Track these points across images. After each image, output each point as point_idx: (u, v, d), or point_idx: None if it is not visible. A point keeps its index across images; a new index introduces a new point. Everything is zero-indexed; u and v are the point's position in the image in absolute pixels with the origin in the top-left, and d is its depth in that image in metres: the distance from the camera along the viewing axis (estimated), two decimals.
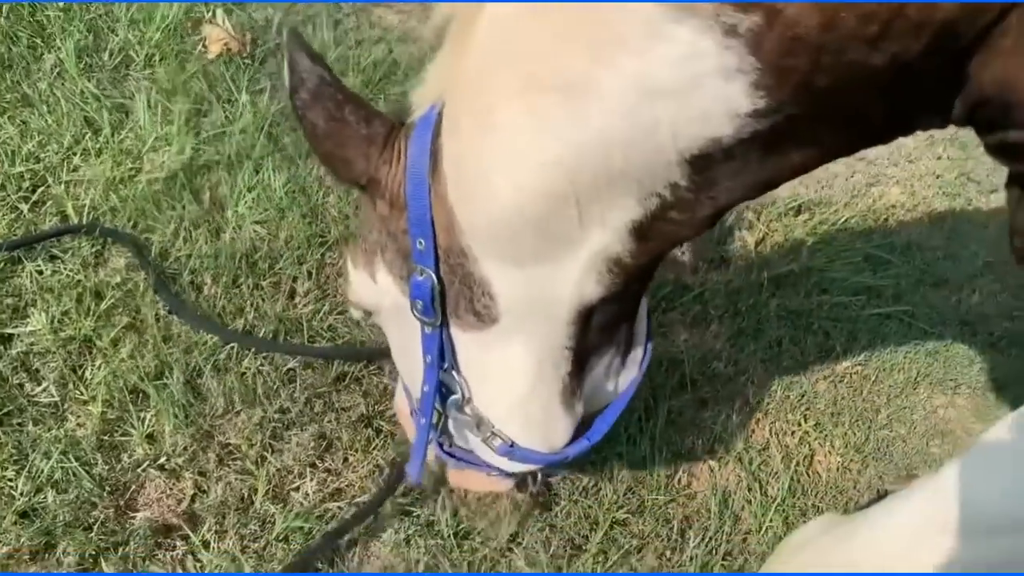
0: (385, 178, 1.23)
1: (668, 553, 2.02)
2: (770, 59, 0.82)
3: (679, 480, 2.14)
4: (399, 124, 1.26)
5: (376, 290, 1.40)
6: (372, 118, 1.23)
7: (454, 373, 1.39)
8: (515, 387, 1.35)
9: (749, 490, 2.16)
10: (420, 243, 1.23)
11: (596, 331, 1.31)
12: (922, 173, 3.28)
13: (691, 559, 2.01)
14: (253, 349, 2.13)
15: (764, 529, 2.09)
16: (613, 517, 2.02)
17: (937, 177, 3.28)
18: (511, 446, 1.43)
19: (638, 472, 2.12)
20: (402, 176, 1.20)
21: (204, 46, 2.76)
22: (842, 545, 1.31)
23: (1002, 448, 1.07)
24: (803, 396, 2.41)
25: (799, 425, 2.33)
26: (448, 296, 1.28)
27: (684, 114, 0.89)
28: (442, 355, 1.37)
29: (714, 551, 2.04)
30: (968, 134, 3.20)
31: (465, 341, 1.34)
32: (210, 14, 2.85)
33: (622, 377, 1.50)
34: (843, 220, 2.95)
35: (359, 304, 1.50)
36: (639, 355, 1.51)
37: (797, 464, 2.24)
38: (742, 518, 2.13)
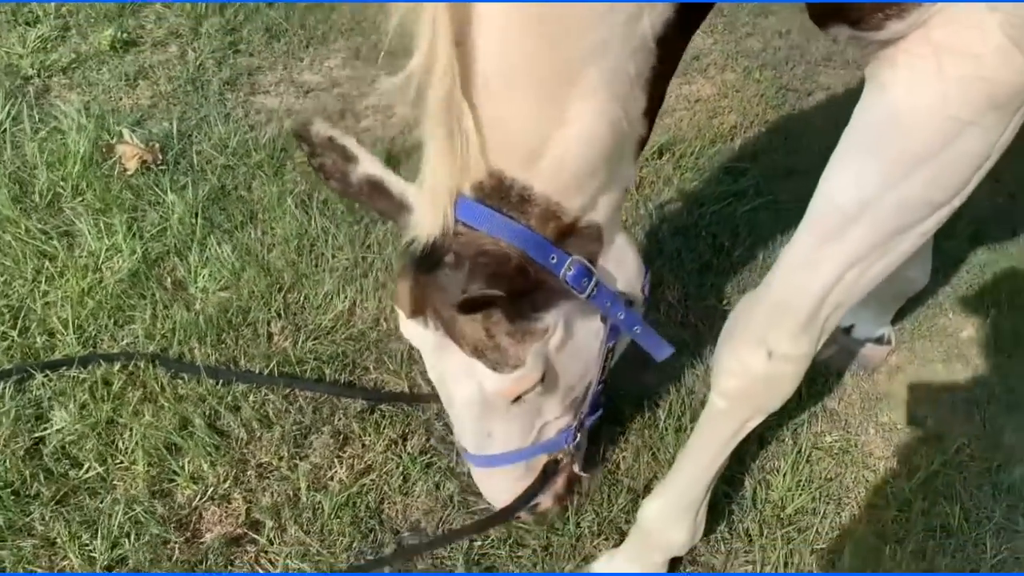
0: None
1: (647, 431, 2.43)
2: None
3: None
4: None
5: (538, 349, 1.64)
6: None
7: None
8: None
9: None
10: (552, 258, 1.54)
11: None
12: (750, 96, 3.86)
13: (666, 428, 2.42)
14: (271, 386, 2.45)
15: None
16: None
17: (762, 96, 3.86)
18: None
19: None
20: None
21: (122, 164, 3.09)
22: (761, 286, 1.64)
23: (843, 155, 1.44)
24: (711, 285, 2.88)
25: (715, 306, 2.80)
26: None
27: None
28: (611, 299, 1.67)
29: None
30: (774, 59, 3.78)
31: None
32: (116, 137, 3.18)
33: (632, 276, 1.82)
34: (698, 149, 3.47)
35: (536, 375, 1.67)
36: (638, 267, 1.83)
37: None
38: (696, 390, 2.55)
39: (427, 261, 1.54)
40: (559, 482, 2.06)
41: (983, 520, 2.29)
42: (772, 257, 3.02)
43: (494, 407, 1.74)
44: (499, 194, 1.50)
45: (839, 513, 2.30)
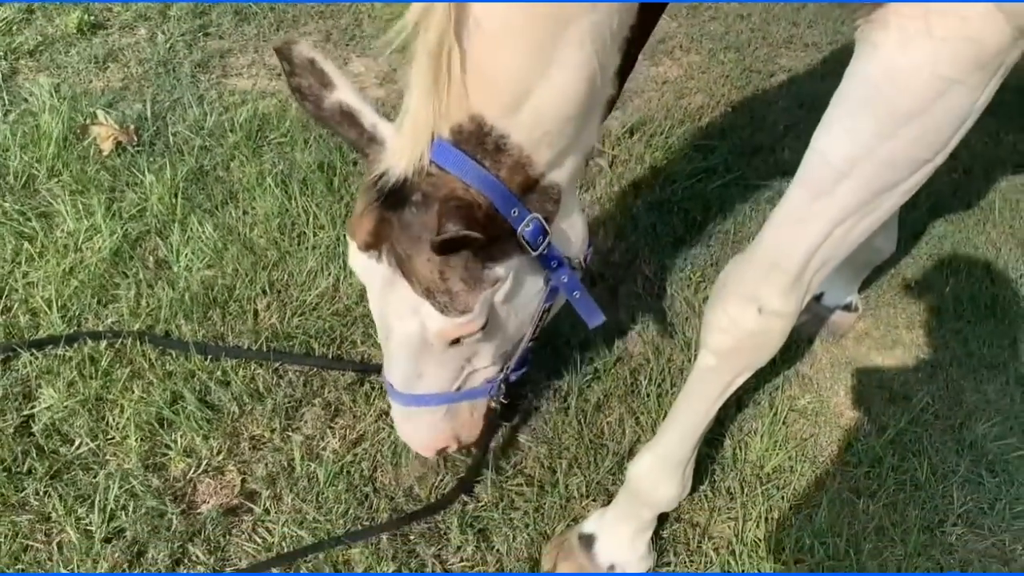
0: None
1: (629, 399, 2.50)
2: None
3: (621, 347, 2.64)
4: None
5: (486, 297, 1.68)
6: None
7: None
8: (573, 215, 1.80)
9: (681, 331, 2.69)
10: (514, 211, 1.60)
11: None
12: (715, 77, 3.96)
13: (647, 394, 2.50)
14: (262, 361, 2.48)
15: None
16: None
17: (727, 77, 3.96)
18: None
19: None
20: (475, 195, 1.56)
21: (97, 145, 3.07)
22: (752, 244, 1.69)
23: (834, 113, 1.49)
24: (686, 259, 2.97)
25: (690, 277, 2.89)
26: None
27: None
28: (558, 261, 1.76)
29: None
30: (737, 42, 3.90)
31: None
32: (90, 118, 3.16)
33: (578, 244, 1.89)
34: (667, 129, 3.56)
35: (480, 322, 1.71)
36: (585, 236, 1.91)
37: (702, 310, 2.78)
38: (674, 358, 2.64)
39: (394, 197, 1.56)
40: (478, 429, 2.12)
41: (949, 474, 2.42)
42: (743, 230, 3.13)
43: (430, 348, 1.77)
44: (476, 139, 1.54)
45: (814, 470, 2.40)
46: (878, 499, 2.33)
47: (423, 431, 2.01)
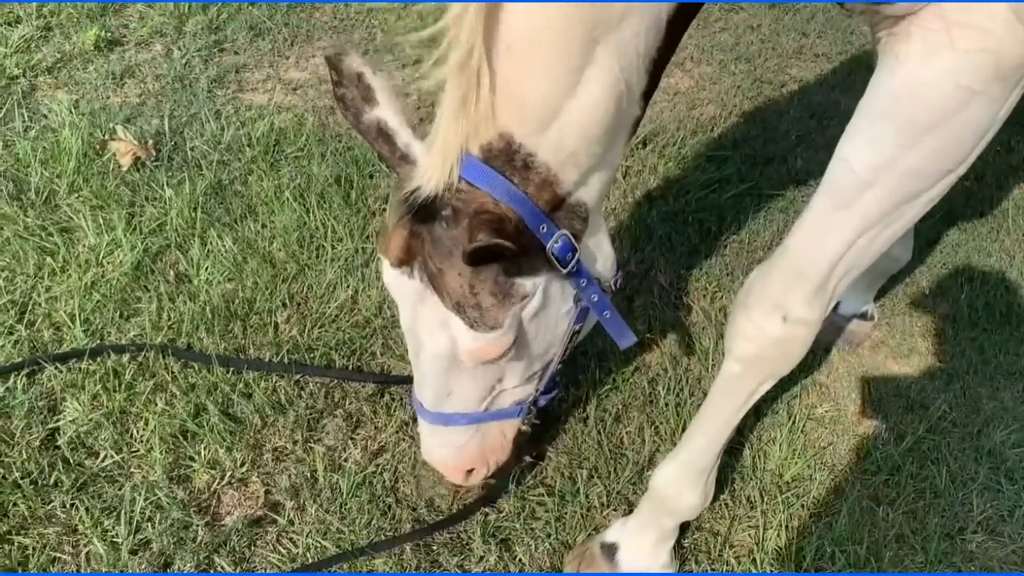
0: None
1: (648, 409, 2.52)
2: None
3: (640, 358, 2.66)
4: None
5: (515, 313, 1.68)
6: None
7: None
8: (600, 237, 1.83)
9: (696, 340, 2.70)
10: (543, 227, 1.62)
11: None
12: (726, 88, 3.99)
13: (666, 404, 2.52)
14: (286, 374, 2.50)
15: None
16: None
17: (738, 88, 3.99)
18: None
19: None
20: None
21: (116, 161, 3.11)
22: (776, 253, 1.72)
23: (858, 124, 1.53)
24: (701, 269, 2.98)
25: (706, 287, 2.90)
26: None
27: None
28: (587, 279, 1.76)
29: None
30: (747, 53, 3.93)
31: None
32: (109, 134, 3.20)
33: (607, 265, 1.91)
34: (680, 140, 3.58)
35: (509, 338, 1.71)
36: (613, 259, 1.92)
37: (718, 319, 2.80)
38: (692, 367, 2.66)
39: (424, 212, 1.58)
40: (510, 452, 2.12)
41: (968, 481, 2.42)
42: (757, 240, 3.14)
43: (460, 365, 1.78)
44: (505, 157, 1.56)
45: (833, 479, 2.41)
46: (897, 507, 2.33)
47: (450, 451, 2.00)
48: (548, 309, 1.79)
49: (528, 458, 2.32)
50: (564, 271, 1.69)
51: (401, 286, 1.71)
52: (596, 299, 1.80)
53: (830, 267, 1.59)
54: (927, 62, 1.34)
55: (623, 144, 1.73)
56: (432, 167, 1.54)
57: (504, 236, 1.51)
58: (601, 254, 1.86)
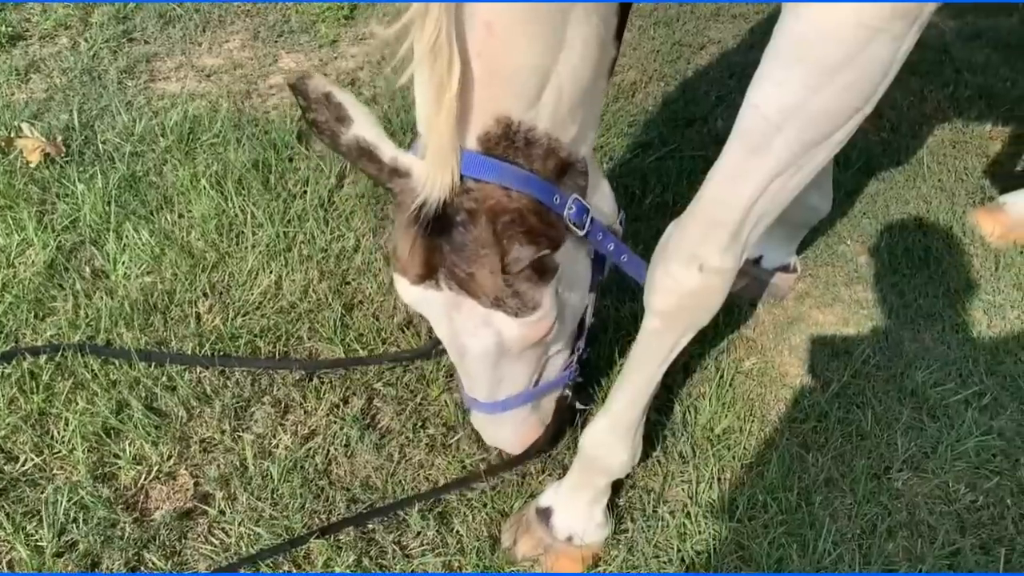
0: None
1: None
2: None
3: None
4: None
5: (551, 289, 1.73)
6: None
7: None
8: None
9: None
10: (556, 199, 1.64)
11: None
12: (646, 53, 4.00)
13: None
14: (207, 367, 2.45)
15: None
16: None
17: (658, 52, 4.01)
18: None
19: None
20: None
21: (24, 158, 3.01)
22: (691, 205, 1.72)
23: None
24: (627, 233, 2.99)
25: (632, 249, 2.91)
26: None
27: None
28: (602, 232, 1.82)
29: None
30: (666, 16, 3.85)
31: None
32: (14, 131, 3.09)
33: (611, 208, 1.96)
34: (602, 106, 3.58)
35: (553, 315, 1.77)
36: (613, 198, 1.97)
37: None
38: (621, 329, 2.67)
39: (437, 223, 1.55)
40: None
41: (892, 422, 2.48)
42: (682, 202, 3.13)
43: (507, 352, 1.81)
44: (506, 140, 1.55)
45: (763, 429, 2.45)
46: (826, 452, 2.38)
47: (511, 432, 2.09)
48: (574, 270, 1.85)
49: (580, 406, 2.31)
50: (582, 233, 1.73)
51: (428, 301, 1.70)
52: (612, 247, 1.86)
53: (744, 214, 1.60)
54: (830, 5, 1.36)
55: (605, 86, 1.75)
56: (431, 175, 1.50)
57: (530, 231, 1.56)
58: (604, 200, 1.91)
